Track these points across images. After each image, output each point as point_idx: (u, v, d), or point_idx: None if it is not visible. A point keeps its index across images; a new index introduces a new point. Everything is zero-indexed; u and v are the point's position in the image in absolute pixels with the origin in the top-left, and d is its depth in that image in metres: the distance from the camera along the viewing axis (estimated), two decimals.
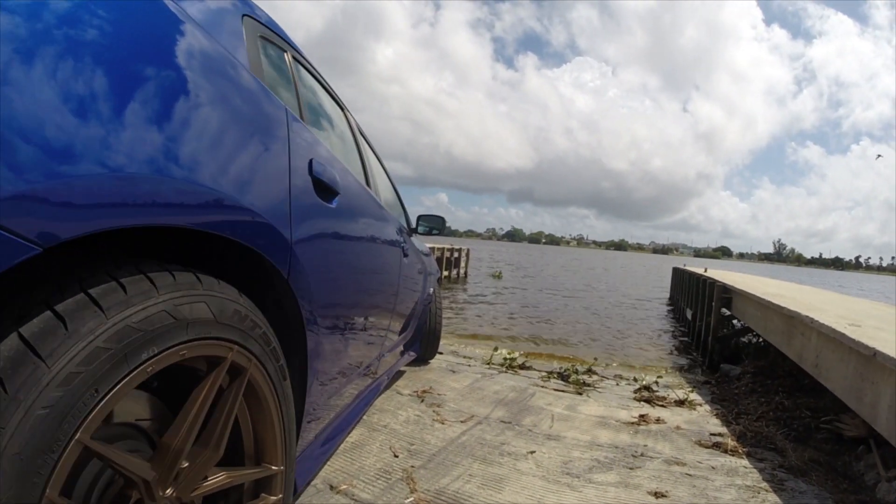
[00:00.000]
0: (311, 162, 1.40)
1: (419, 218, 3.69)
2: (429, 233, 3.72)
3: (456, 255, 23.52)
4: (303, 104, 1.65)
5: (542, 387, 4.29)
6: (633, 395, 4.40)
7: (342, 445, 2.52)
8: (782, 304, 4.51)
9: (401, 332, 3.18)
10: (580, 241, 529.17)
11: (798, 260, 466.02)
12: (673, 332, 11.70)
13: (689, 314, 10.67)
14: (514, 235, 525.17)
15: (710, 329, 7.28)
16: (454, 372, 4.46)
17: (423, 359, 4.57)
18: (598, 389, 4.52)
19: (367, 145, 2.78)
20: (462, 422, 3.16)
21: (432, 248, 19.84)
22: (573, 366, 5.28)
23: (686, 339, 10.25)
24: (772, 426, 3.62)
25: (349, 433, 2.19)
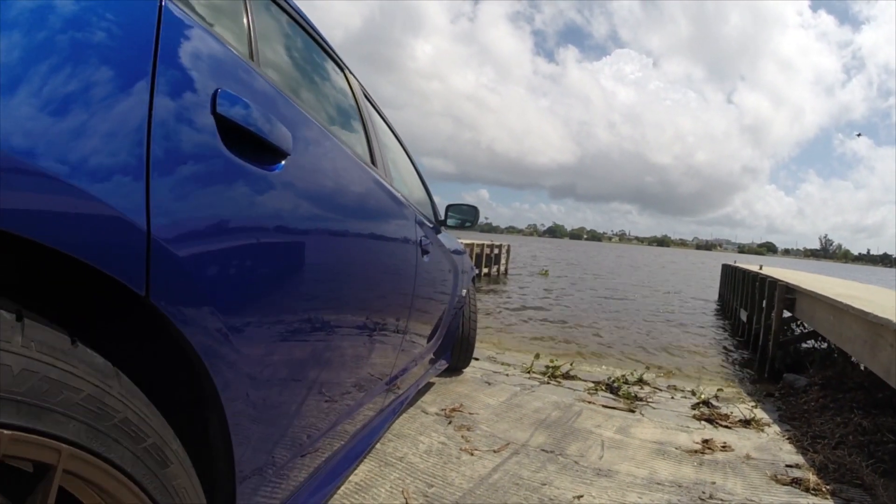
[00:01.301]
0: (216, 94, 0.91)
1: (448, 209, 3.26)
2: (461, 226, 3.27)
3: (496, 251, 23.14)
4: (256, 40, 1.21)
5: (590, 402, 3.82)
6: (692, 413, 3.92)
7: (344, 486, 2.11)
8: (865, 309, 3.94)
9: (428, 340, 2.81)
10: (622, 237, 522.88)
11: (845, 256, 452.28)
12: (725, 334, 11.05)
13: (743, 315, 9.99)
14: (555, 231, 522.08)
15: (771, 333, 6.69)
16: (489, 384, 4.02)
17: (455, 368, 4.16)
18: (652, 405, 4.04)
19: (378, 119, 2.39)
20: (495, 451, 2.72)
21: (469, 245, 19.53)
22: (623, 375, 4.79)
23: (740, 341, 9.65)
24: (854, 454, 3.11)
25: (355, 468, 1.77)
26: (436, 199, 3.25)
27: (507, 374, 4.47)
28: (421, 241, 2.29)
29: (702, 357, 8.46)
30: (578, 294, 18.42)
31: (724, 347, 9.42)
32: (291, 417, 1.24)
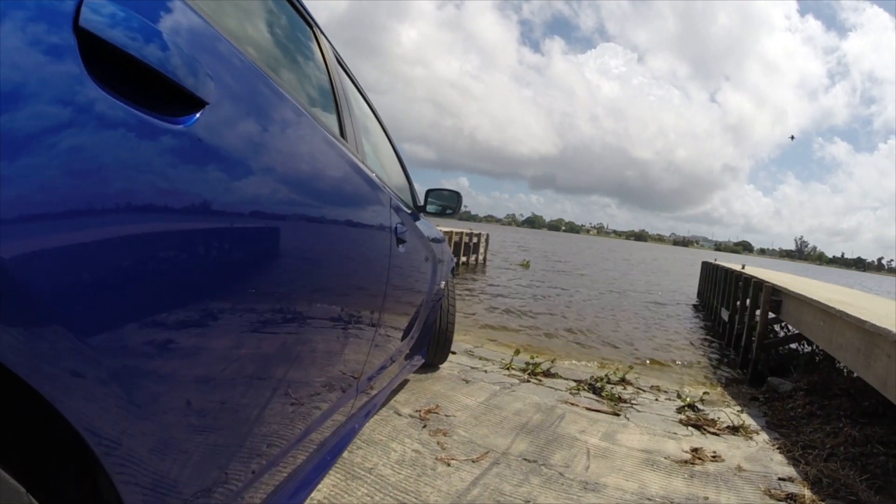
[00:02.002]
0: (81, 3, 0.59)
1: (428, 194, 2.96)
2: (442, 213, 3.00)
3: (475, 240, 22.94)
4: None
5: (572, 404, 3.62)
6: (678, 417, 3.77)
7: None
8: (861, 317, 3.78)
9: (403, 337, 2.55)
10: (600, 230, 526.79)
11: (820, 258, 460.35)
12: (706, 333, 10.96)
13: (724, 314, 9.89)
14: (533, 222, 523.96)
15: (756, 335, 6.56)
16: (467, 382, 3.80)
17: (431, 364, 3.93)
18: (637, 407, 3.86)
19: (353, 91, 2.12)
20: (474, 461, 2.48)
21: (448, 233, 19.25)
22: (606, 374, 4.61)
23: (721, 341, 9.55)
24: (847, 468, 2.96)
25: (318, 483, 1.52)
26: (416, 185, 2.99)
27: (486, 371, 4.25)
28: (397, 228, 2.00)
29: (683, 356, 8.34)
30: (560, 286, 18.27)
31: (706, 347, 9.31)
32: (242, 429, 1.00)
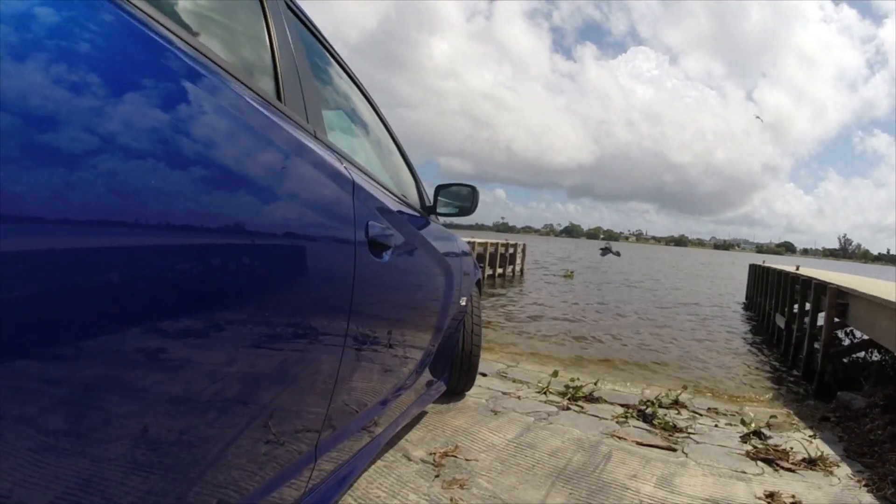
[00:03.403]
0: None
1: (438, 191, 2.47)
2: (458, 213, 2.51)
3: (510, 250, 22.40)
4: None
5: (620, 438, 3.05)
6: (744, 448, 3.17)
7: None
8: None
9: (407, 364, 2.06)
10: (639, 237, 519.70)
11: (864, 256, 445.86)
12: (758, 342, 10.17)
13: (780, 321, 9.11)
14: (571, 231, 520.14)
15: (820, 343, 5.89)
16: (496, 414, 3.25)
17: (455, 391, 3.41)
18: (695, 437, 3.28)
19: (323, 55, 1.71)
20: None
21: (483, 244, 18.75)
22: (657, 397, 4.03)
23: (778, 351, 8.79)
24: None
25: None
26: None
27: (519, 397, 3.71)
28: (371, 230, 1.46)
29: (738, 369, 7.64)
30: (605, 299, 17.46)
31: (761, 358, 8.56)
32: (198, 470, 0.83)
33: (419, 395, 2.43)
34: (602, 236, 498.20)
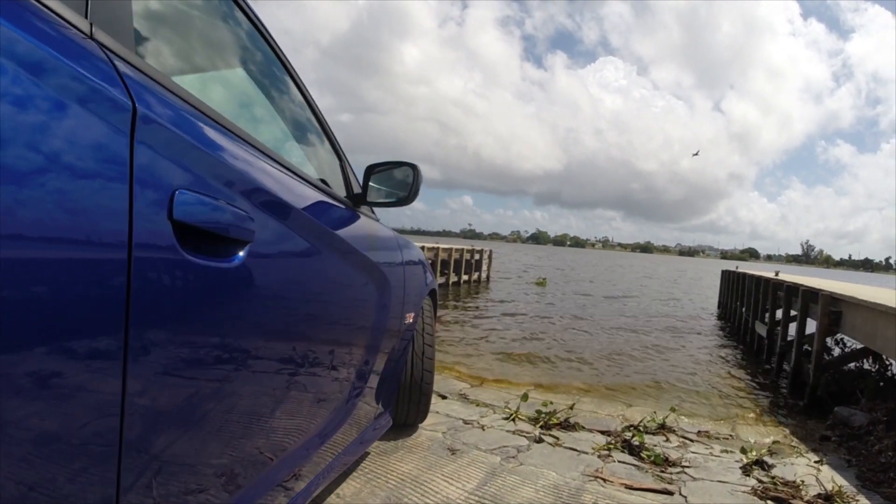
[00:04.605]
0: None
1: (370, 173, 1.85)
2: (396, 202, 1.89)
3: (476, 256, 21.94)
4: None
5: (605, 480, 2.51)
6: (748, 484, 2.69)
7: None
8: None
9: (322, 399, 1.53)
10: (605, 244, 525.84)
11: (827, 262, 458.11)
12: (737, 352, 9.78)
13: (761, 329, 8.68)
14: (538, 238, 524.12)
15: (813, 354, 5.45)
16: (454, 453, 2.65)
17: (405, 423, 2.81)
18: (690, 471, 2.80)
19: None
20: None
21: (447, 251, 18.17)
22: (641, 421, 3.50)
23: (759, 360, 8.37)
24: None
25: None
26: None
27: (483, 427, 3.13)
28: (192, 210, 0.85)
29: (722, 383, 7.21)
30: (577, 308, 16.94)
31: (743, 369, 8.12)
32: None
33: (353, 436, 1.86)
34: (568, 243, 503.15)
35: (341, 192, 1.78)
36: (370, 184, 1.81)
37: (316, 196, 1.44)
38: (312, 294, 1.37)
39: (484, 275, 23.19)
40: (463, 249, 20.00)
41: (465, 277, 20.07)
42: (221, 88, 1.71)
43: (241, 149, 1.10)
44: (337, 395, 1.61)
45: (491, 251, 25.16)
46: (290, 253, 1.25)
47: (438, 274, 17.30)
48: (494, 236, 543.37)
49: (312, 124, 1.77)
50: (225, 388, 1.01)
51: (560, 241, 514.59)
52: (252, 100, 1.62)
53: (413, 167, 1.84)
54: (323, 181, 1.69)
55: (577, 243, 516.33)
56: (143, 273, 0.76)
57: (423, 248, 15.61)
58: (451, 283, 18.66)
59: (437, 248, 17.40)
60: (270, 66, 1.56)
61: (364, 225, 1.79)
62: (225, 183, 0.97)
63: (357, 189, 1.84)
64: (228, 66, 1.60)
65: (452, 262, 18.75)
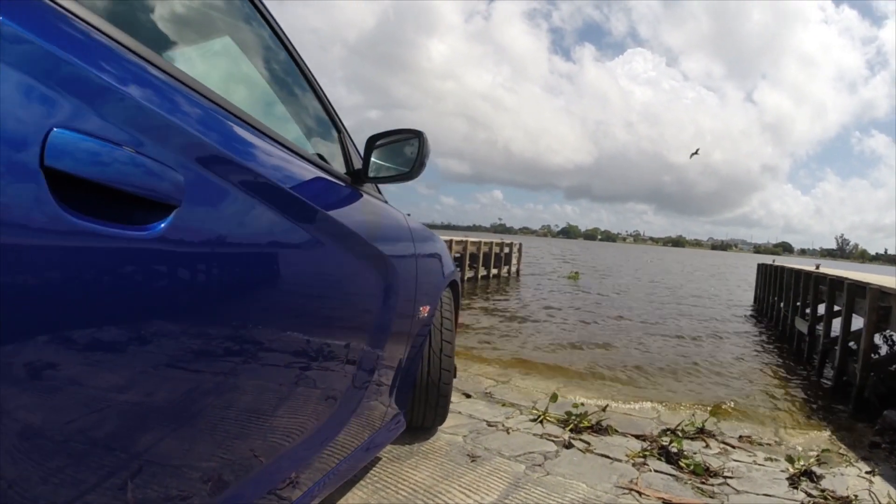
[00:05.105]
0: None
1: (371, 146, 1.60)
2: (396, 177, 1.63)
3: (506, 250, 21.64)
4: None
5: (642, 494, 2.26)
6: (796, 499, 2.45)
7: None
8: None
9: (327, 399, 1.41)
10: (637, 238, 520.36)
11: (862, 256, 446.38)
12: (776, 349, 9.38)
13: (801, 326, 8.29)
14: (568, 232, 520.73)
15: (860, 353, 5.11)
16: (473, 459, 2.42)
17: (423, 427, 2.59)
18: (732, 482, 2.55)
19: None
20: None
21: (476, 244, 17.91)
22: (679, 425, 3.24)
23: (799, 359, 8.00)
24: None
25: None
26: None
27: (508, 430, 2.90)
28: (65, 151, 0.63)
29: (761, 382, 6.87)
30: (612, 302, 16.50)
31: (783, 368, 7.74)
32: None
33: (359, 440, 1.68)
34: (599, 237, 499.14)
35: (341, 168, 1.57)
36: (372, 158, 1.58)
37: (290, 161, 1.22)
38: (281, 278, 1.14)
39: (514, 269, 22.90)
40: (492, 243, 19.73)
41: (493, 272, 19.80)
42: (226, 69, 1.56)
43: (172, 88, 0.88)
44: (331, 395, 1.42)
45: (521, 244, 24.83)
46: (244, 225, 1.01)
47: (466, 268, 17.08)
48: (525, 231, 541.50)
49: (314, 103, 1.56)
50: (202, 386, 0.91)
51: (591, 236, 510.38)
52: (258, 76, 1.44)
53: (419, 135, 1.59)
54: (320, 156, 1.48)
55: (608, 237, 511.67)
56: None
57: (450, 241, 15.38)
58: (479, 277, 18.42)
59: (466, 241, 17.15)
60: (271, 38, 1.37)
61: (364, 205, 1.57)
62: (134, 125, 0.75)
63: (359, 164, 1.61)
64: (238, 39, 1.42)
65: (481, 256, 18.50)
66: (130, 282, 0.75)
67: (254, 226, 1.01)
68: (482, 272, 18.64)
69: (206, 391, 0.93)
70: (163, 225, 0.77)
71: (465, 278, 16.96)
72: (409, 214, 2.10)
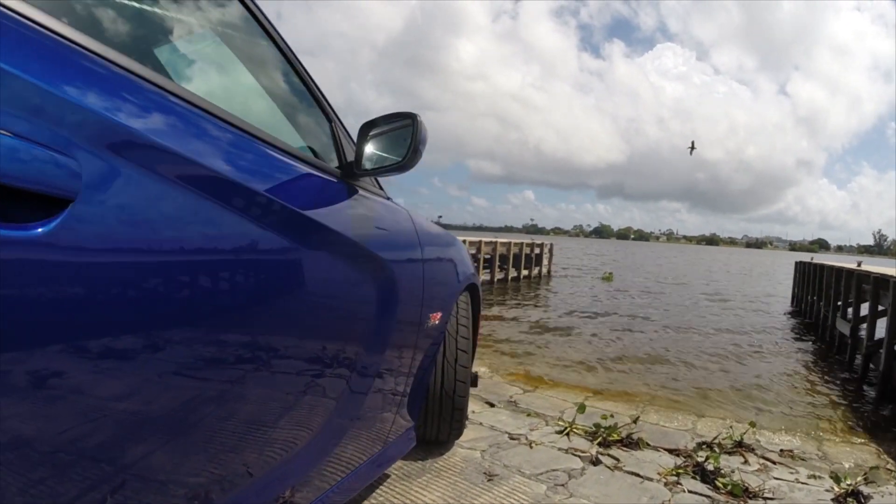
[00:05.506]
0: None
1: (364, 135, 1.42)
2: (389, 168, 1.43)
3: (537, 251, 21.42)
4: None
5: None
6: None
7: None
8: None
9: (321, 411, 1.30)
10: (670, 237, 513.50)
11: None
12: (815, 351, 9.00)
13: (843, 327, 7.91)
14: (601, 232, 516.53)
15: None
16: (491, 479, 2.24)
17: (437, 441, 2.42)
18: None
19: None
20: None
21: (501, 245, 17.67)
22: (715, 439, 3.02)
23: (842, 361, 7.64)
24: None
25: None
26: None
27: (531, 444, 2.71)
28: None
29: (800, 388, 6.54)
30: (645, 304, 16.12)
31: (825, 373, 7.38)
32: None
33: (362, 457, 1.54)
34: (632, 236, 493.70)
35: (333, 162, 1.41)
36: (370, 149, 1.41)
37: (298, 168, 1.07)
38: (241, 284, 0.98)
39: (545, 270, 22.66)
40: (522, 243, 19.54)
41: (524, 273, 19.59)
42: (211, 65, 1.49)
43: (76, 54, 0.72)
44: (322, 408, 1.28)
45: (552, 245, 24.57)
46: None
47: (496, 269, 16.91)
48: (557, 231, 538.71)
49: (305, 94, 1.40)
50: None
51: (624, 235, 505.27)
52: (244, 71, 1.32)
53: (412, 118, 1.40)
54: (311, 149, 1.33)
55: (641, 236, 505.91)
56: None
57: (479, 242, 15.19)
58: (510, 278, 18.22)
59: (496, 242, 16.96)
60: (258, 31, 1.22)
61: (356, 202, 1.40)
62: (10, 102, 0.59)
63: (352, 157, 1.44)
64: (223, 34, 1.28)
65: (511, 257, 18.30)
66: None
67: (205, 227, 0.85)
68: (512, 273, 18.45)
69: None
70: (52, 222, 0.61)
71: (495, 279, 16.78)
72: (440, 216, 1.93)
